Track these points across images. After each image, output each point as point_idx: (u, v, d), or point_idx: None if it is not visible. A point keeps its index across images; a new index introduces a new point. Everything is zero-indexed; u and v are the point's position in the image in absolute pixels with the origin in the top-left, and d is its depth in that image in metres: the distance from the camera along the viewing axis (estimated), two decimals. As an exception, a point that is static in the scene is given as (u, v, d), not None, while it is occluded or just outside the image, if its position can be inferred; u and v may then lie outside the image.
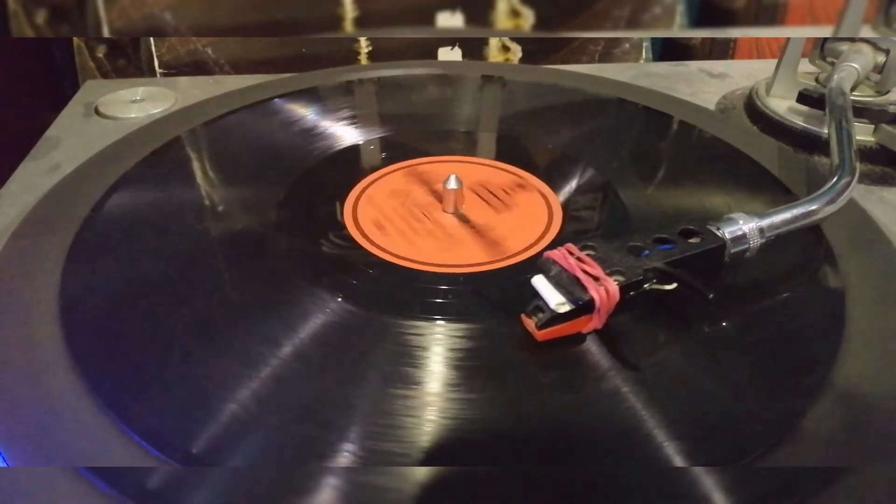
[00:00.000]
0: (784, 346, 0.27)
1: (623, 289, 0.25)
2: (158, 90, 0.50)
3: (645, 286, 0.26)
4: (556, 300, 0.25)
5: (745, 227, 0.28)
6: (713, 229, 0.28)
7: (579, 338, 0.26)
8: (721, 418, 0.24)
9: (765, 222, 0.29)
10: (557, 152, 0.41)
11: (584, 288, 0.25)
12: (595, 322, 0.25)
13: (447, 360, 0.26)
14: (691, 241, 0.28)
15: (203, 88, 0.51)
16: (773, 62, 0.48)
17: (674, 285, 0.26)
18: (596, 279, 0.25)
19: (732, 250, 0.28)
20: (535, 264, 0.27)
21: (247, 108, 0.44)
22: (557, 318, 0.25)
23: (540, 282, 0.26)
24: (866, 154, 0.41)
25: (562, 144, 0.42)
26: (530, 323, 0.26)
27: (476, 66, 0.59)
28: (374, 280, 0.30)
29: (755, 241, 0.28)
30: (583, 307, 0.25)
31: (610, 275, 0.25)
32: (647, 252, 0.27)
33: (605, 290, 0.25)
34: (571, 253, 0.26)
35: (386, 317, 0.27)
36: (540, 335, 0.25)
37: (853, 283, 0.30)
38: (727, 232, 0.28)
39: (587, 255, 0.26)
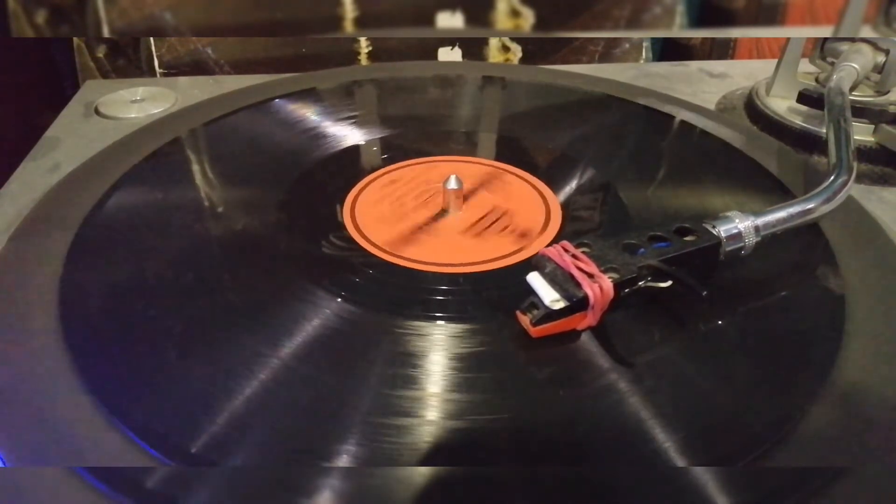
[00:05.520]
0: (784, 345, 0.27)
1: (617, 286, 0.25)
2: (158, 90, 0.50)
3: (639, 283, 0.26)
4: (550, 297, 0.25)
5: (740, 225, 0.28)
6: (708, 227, 0.28)
7: (574, 335, 0.26)
8: (720, 418, 0.24)
9: (760, 220, 0.29)
10: (557, 152, 0.41)
11: (578, 285, 0.25)
12: (589, 319, 0.25)
13: (447, 360, 0.26)
14: (686, 238, 0.28)
15: (203, 88, 0.51)
16: (773, 62, 0.48)
17: (668, 283, 0.26)
18: (590, 276, 0.25)
19: (728, 248, 0.28)
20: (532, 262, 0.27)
21: (247, 108, 0.44)
22: (552, 314, 0.25)
23: (535, 278, 0.26)
24: (866, 154, 0.41)
25: (562, 144, 0.42)
26: (525, 319, 0.26)
27: (476, 67, 0.59)
28: (374, 280, 0.30)
29: (750, 240, 0.28)
30: (577, 304, 0.25)
31: (604, 272, 0.26)
32: (642, 250, 0.27)
33: (600, 286, 0.25)
34: (566, 250, 0.26)
35: (386, 317, 0.27)
36: (534, 332, 0.26)
37: (853, 282, 0.30)
38: (722, 230, 0.28)
39: (582, 252, 0.26)
